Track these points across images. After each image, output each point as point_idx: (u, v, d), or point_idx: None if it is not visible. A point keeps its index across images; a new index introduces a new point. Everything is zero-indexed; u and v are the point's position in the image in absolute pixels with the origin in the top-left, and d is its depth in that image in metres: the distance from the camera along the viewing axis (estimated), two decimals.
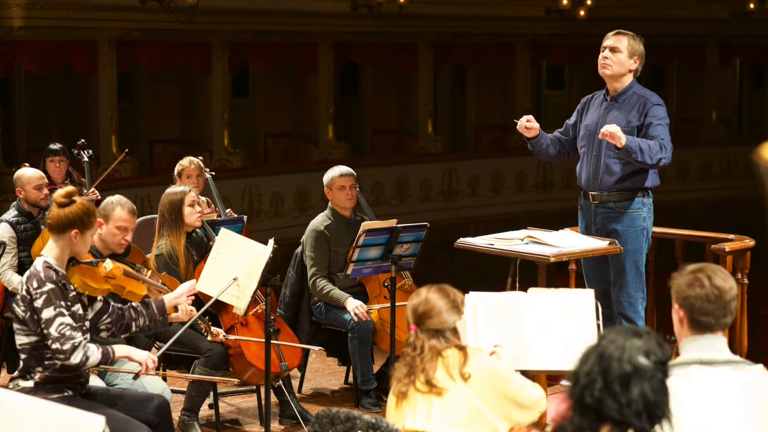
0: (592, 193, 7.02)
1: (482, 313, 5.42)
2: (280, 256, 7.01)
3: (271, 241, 6.27)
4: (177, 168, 8.69)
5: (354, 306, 7.65)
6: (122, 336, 5.91)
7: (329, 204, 7.89)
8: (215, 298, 6.26)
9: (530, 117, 7.06)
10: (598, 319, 5.54)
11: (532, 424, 4.59)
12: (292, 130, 20.77)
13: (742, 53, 24.88)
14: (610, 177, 6.93)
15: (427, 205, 19.96)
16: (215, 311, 7.15)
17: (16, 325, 5.39)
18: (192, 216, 7.17)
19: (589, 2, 21.03)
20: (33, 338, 5.31)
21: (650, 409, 3.14)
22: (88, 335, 5.39)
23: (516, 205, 20.90)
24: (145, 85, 19.32)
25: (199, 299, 6.31)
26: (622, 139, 6.59)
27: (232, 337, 7.03)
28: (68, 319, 5.25)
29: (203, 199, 8.49)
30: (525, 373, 4.99)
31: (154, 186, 15.51)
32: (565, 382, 6.69)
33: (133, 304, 5.74)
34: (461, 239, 6.87)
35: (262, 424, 7.06)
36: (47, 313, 5.23)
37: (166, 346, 6.19)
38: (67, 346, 5.23)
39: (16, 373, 5.47)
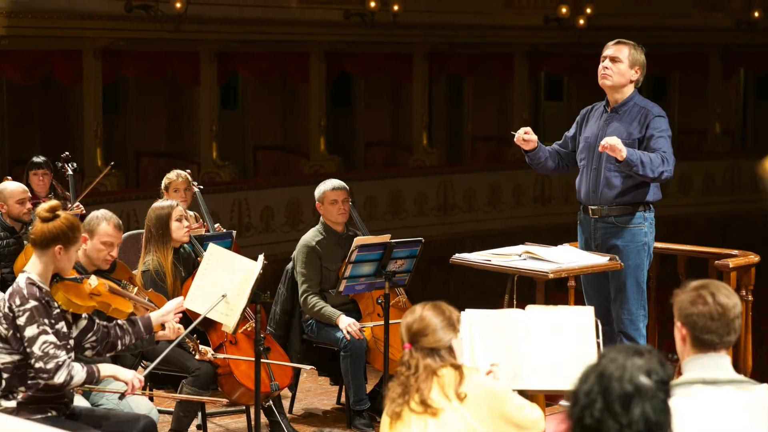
0: (592, 207, 6.96)
1: (479, 331, 5.39)
2: (270, 272, 6.94)
3: (260, 257, 6.26)
4: (164, 181, 8.67)
5: (346, 324, 7.58)
6: (108, 355, 5.87)
7: (321, 219, 7.84)
8: (203, 316, 6.26)
9: (528, 129, 7.03)
10: (598, 337, 5.52)
11: None
12: (282, 143, 20.78)
13: (746, 63, 24.89)
14: (610, 191, 6.87)
15: (422, 219, 19.95)
16: (203, 329, 7.09)
17: None
18: (179, 231, 7.13)
19: (588, 11, 21.02)
20: (16, 357, 5.28)
21: (652, 430, 3.06)
22: (72, 354, 5.36)
23: (513, 220, 20.90)
24: (131, 96, 19.34)
25: (186, 317, 6.36)
26: (622, 152, 6.53)
27: (220, 355, 6.98)
28: (52, 338, 5.23)
29: (191, 213, 8.48)
30: (523, 393, 4.96)
31: (141, 200, 15.44)
32: (564, 402, 6.64)
33: (119, 321, 5.71)
34: (457, 255, 6.83)
35: None
36: (30, 331, 5.20)
37: (152, 365, 6.21)
38: (50, 365, 5.21)
39: None
